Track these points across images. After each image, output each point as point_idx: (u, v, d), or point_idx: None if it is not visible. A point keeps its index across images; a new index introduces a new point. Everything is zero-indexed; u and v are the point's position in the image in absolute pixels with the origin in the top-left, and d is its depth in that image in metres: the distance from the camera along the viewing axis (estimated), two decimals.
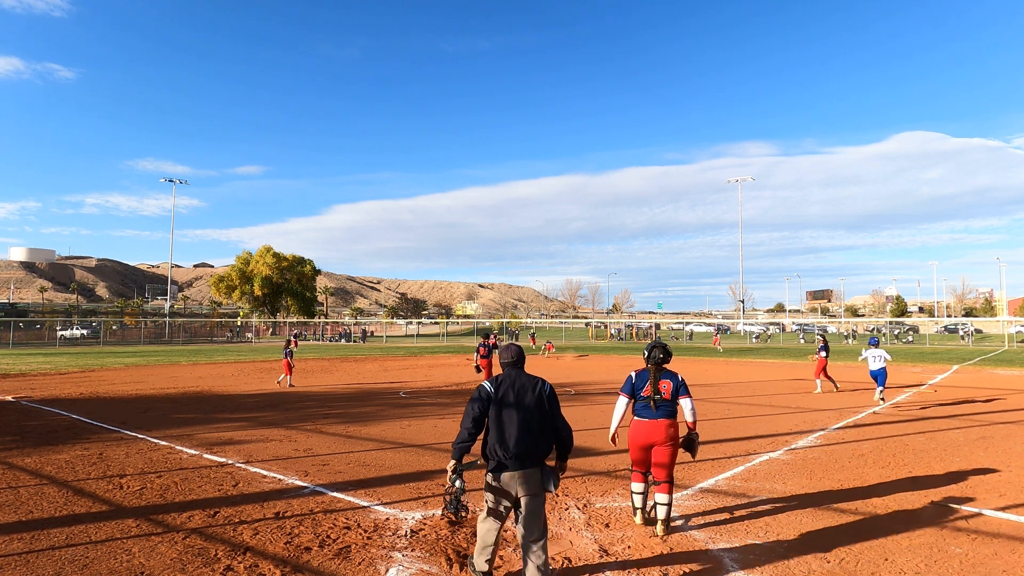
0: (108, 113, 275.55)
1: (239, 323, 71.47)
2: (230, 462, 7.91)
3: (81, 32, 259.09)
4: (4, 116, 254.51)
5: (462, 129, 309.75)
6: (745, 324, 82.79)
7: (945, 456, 8.34)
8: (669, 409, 5.30)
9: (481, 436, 4.08)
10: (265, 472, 7.41)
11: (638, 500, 5.44)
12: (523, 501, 3.91)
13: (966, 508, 5.99)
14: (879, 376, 13.88)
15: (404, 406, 13.84)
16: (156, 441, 9.30)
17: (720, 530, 5.32)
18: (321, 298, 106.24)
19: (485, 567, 4.16)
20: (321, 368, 25.31)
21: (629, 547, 4.91)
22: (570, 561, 4.63)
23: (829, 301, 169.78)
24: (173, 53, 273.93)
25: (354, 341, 60.39)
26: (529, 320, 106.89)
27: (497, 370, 15.92)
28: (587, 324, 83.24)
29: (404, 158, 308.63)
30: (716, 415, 12.00)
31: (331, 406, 13.75)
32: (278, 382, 18.34)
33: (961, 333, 64.46)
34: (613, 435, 5.45)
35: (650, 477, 5.40)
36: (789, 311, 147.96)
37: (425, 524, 5.45)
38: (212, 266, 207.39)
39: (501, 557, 4.69)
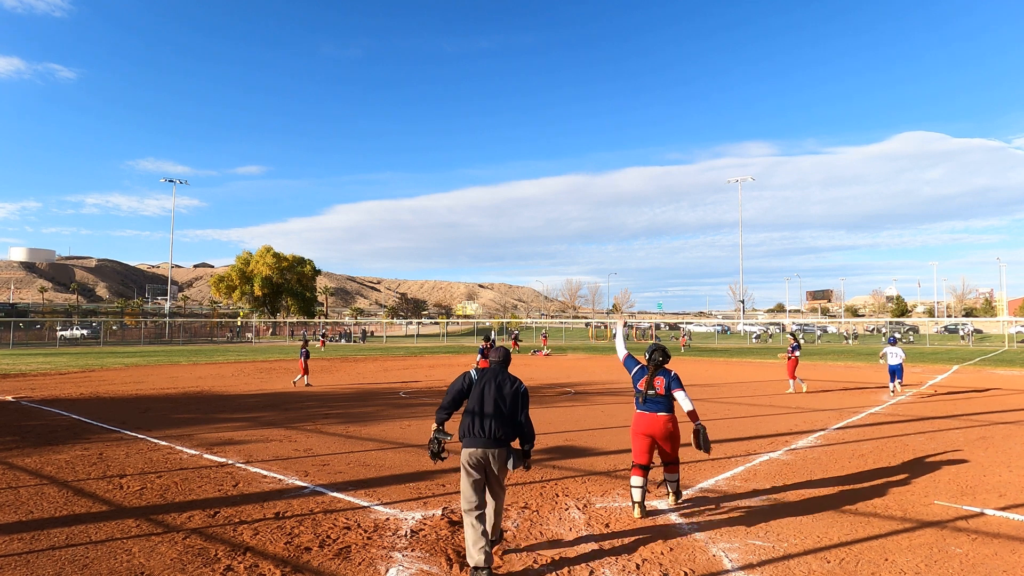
0: (109, 113, 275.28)
1: (239, 323, 71.44)
2: (230, 462, 7.91)
3: (82, 32, 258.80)
4: (5, 116, 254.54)
5: (463, 129, 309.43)
6: (745, 324, 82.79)
7: (945, 456, 8.34)
8: (665, 404, 5.77)
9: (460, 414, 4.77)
10: (265, 472, 7.41)
11: (637, 494, 5.63)
12: (490, 474, 4.56)
13: (966, 508, 5.99)
14: (897, 370, 15.73)
15: (404, 406, 13.84)
16: (156, 441, 9.30)
17: (720, 530, 5.31)
18: (321, 298, 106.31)
19: (481, 557, 4.23)
20: (321, 368, 25.30)
21: (629, 547, 4.91)
22: (570, 561, 4.63)
23: (829, 301, 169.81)
24: (174, 54, 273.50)
25: (354, 341, 60.41)
26: (529, 320, 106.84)
27: None
28: (587, 324, 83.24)
29: (405, 158, 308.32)
30: (716, 415, 12.00)
31: (331, 406, 13.75)
32: (294, 383, 18.33)
33: (961, 333, 64.43)
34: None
35: (651, 471, 5.85)
36: (789, 311, 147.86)
37: (425, 524, 5.45)
38: (212, 266, 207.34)
39: (501, 557, 4.70)
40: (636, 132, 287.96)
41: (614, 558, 4.68)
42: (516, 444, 4.72)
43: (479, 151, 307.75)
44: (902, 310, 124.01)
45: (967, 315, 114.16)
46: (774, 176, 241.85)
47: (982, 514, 5.80)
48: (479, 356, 17.41)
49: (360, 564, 4.55)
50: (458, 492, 6.02)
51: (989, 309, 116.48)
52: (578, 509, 5.94)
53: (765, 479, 7.12)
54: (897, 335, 18.42)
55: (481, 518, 4.42)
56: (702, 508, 5.97)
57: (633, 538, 5.11)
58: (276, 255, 74.45)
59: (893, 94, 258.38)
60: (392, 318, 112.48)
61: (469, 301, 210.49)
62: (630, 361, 6.25)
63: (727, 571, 4.46)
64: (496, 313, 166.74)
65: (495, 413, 4.53)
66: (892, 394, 15.55)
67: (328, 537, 5.11)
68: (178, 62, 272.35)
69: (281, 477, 7.17)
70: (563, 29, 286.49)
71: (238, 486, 6.76)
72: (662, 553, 4.78)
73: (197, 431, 10.20)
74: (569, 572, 4.44)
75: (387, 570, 4.44)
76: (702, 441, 5.68)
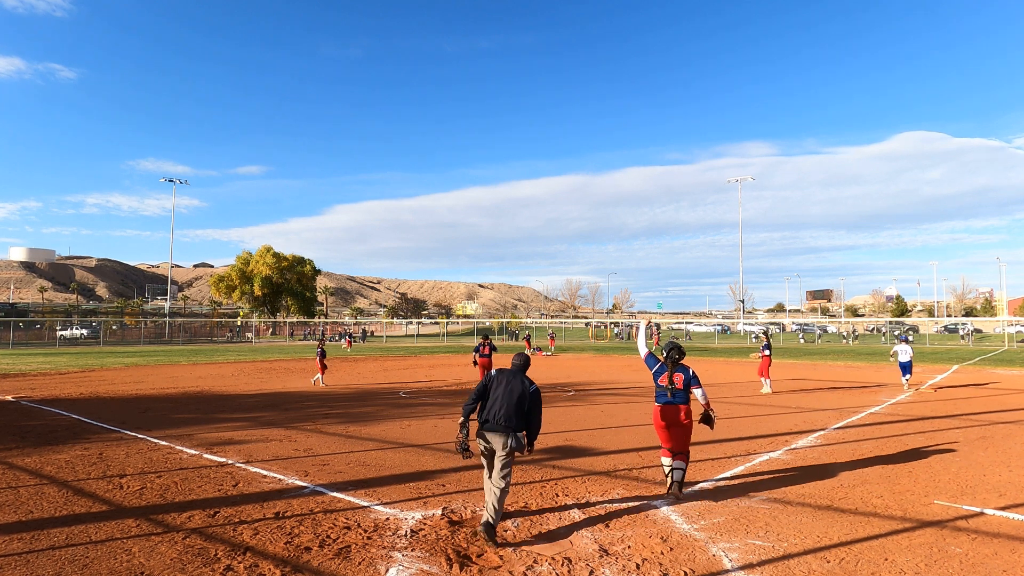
0: (109, 113, 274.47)
1: (239, 323, 71.47)
2: (230, 462, 7.92)
3: (83, 32, 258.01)
4: (5, 116, 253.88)
5: (464, 129, 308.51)
6: (745, 324, 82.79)
7: (945, 456, 8.34)
8: (683, 397, 6.39)
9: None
10: (265, 472, 7.41)
11: (667, 470, 6.42)
12: (497, 453, 5.22)
13: (966, 508, 5.99)
14: (906, 367, 16.65)
15: (404, 406, 13.84)
16: (156, 441, 9.30)
17: (720, 530, 5.32)
18: (321, 298, 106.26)
19: (492, 513, 5.02)
20: None
21: (629, 547, 4.91)
22: (570, 561, 4.63)
23: (829, 301, 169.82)
24: (174, 54, 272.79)
25: (354, 341, 60.35)
26: (529, 320, 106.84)
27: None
28: (587, 324, 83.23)
29: (405, 158, 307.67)
30: (716, 415, 11.96)
31: (331, 406, 13.75)
32: (313, 382, 18.61)
33: (961, 333, 64.45)
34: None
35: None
36: (789, 311, 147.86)
37: (425, 524, 5.46)
38: (212, 266, 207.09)
39: (501, 557, 4.70)
40: (636, 132, 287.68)
41: (614, 558, 4.68)
42: (524, 437, 5.39)
43: (479, 151, 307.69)
44: (902, 310, 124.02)
45: (967, 315, 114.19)
46: (774, 176, 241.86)
47: (982, 514, 5.81)
48: (475, 354, 17.50)
49: (360, 564, 4.55)
50: (458, 492, 6.54)
51: (989, 309, 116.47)
52: (578, 509, 5.94)
53: (765, 479, 7.13)
54: (910, 336, 18.87)
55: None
56: (702, 508, 5.97)
57: (633, 538, 5.12)
58: (276, 255, 74.40)
59: (893, 94, 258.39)
60: (392, 318, 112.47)
61: (469, 301, 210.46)
62: (651, 359, 6.80)
63: (727, 571, 4.46)
64: (496, 313, 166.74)
65: (504, 405, 5.26)
66: (905, 387, 16.59)
67: (328, 537, 5.11)
68: (178, 62, 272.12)
69: (281, 477, 7.17)
70: (563, 29, 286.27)
71: (238, 486, 6.76)
72: (662, 553, 4.78)
73: (197, 431, 10.20)
74: (569, 572, 4.44)
75: (387, 570, 4.45)
76: (710, 421, 6.53)
